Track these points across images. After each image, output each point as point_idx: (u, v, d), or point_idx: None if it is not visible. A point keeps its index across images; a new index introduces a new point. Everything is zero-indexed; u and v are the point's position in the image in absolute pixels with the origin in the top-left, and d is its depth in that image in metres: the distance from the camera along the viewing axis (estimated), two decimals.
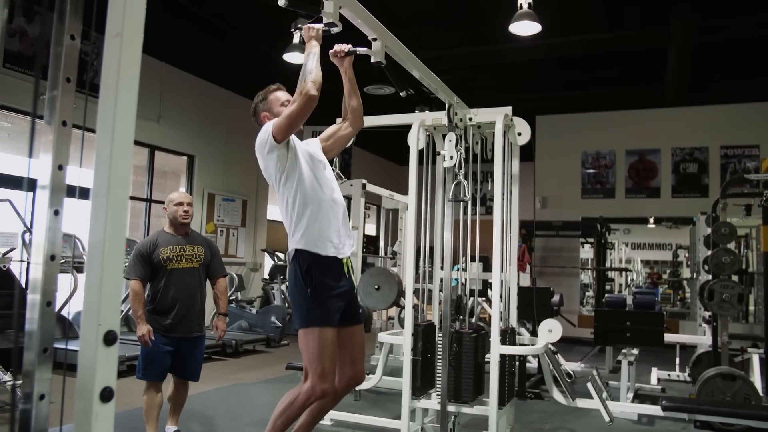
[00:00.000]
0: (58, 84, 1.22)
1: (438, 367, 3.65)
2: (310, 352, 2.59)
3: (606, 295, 7.15)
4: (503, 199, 3.90)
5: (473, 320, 4.10)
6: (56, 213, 1.16)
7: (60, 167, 1.18)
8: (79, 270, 6.72)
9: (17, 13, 6.94)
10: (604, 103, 10.43)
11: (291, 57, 7.31)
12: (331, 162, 4.10)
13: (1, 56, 6.72)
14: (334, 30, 2.43)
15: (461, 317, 3.93)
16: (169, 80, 8.98)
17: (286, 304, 9.83)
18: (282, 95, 2.89)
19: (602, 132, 10.67)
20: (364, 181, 6.21)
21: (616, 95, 10.19)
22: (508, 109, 3.91)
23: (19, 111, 7.15)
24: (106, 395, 1.01)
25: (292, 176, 2.67)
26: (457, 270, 4.06)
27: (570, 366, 6.61)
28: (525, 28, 6.48)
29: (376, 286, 5.96)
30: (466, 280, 4.12)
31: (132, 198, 9.62)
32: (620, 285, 13.19)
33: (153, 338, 3.56)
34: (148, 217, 9.13)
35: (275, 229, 11.48)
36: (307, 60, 2.55)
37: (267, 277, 10.61)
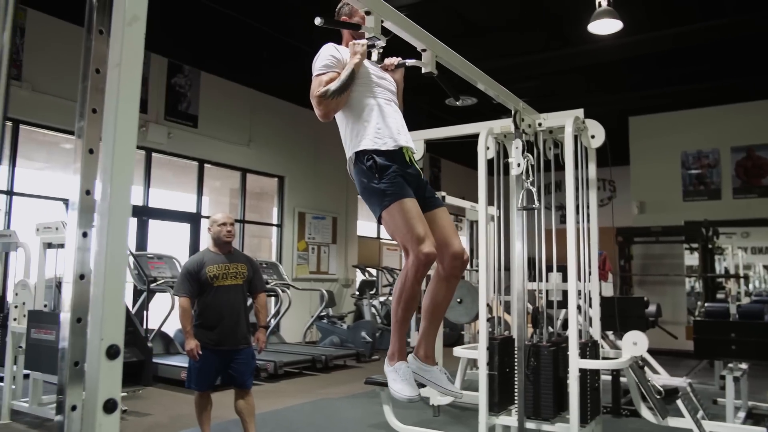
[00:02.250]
0: (85, 115, 1.30)
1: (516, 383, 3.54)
2: (398, 227, 2.49)
3: (706, 304, 6.66)
4: (579, 205, 3.78)
5: (556, 332, 3.95)
6: (84, 235, 1.24)
7: (87, 192, 1.25)
8: None
9: None
10: (702, 99, 9.79)
11: None
12: None
13: None
14: (379, 44, 2.44)
15: (539, 329, 3.80)
16: (258, 105, 9.41)
17: (378, 319, 9.90)
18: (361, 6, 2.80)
19: (703, 129, 10.02)
20: (443, 193, 6.18)
21: (714, 90, 9.54)
22: (579, 112, 3.76)
23: None
24: (110, 407, 1.06)
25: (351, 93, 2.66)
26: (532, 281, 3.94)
27: (674, 381, 6.19)
28: (605, 26, 6.24)
29: (459, 300, 5.91)
30: (545, 291, 3.99)
31: None
32: (738, 293, 12.24)
33: (200, 352, 3.78)
34: (242, 238, 9.51)
35: (366, 245, 11.64)
36: (343, 73, 2.56)
37: (357, 292, 10.75)
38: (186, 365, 6.27)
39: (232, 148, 9.05)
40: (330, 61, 2.61)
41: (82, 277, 1.28)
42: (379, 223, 2.57)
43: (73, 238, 1.27)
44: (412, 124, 3.56)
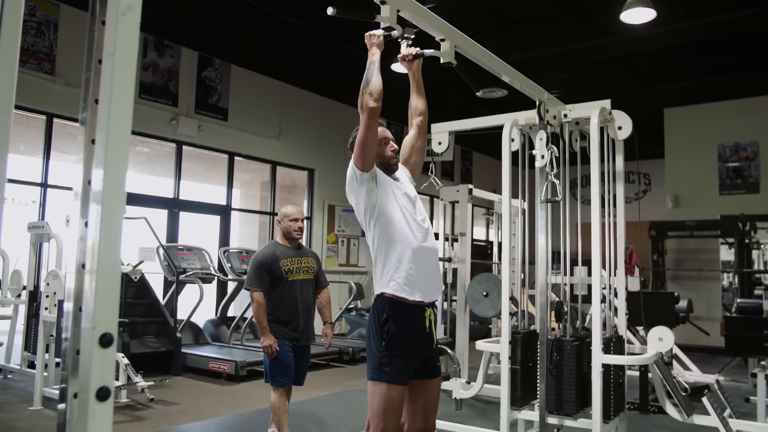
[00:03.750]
0: (87, 105, 1.30)
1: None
2: (374, 407, 2.46)
3: (738, 300, 6.48)
4: (606, 198, 3.71)
5: (582, 327, 3.88)
6: (86, 225, 1.24)
7: (89, 182, 1.26)
8: (206, 281, 7.18)
9: (149, 48, 7.63)
10: (739, 89, 9.48)
11: (399, 67, 7.39)
12: (426, 167, 4.10)
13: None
14: (395, 34, 2.42)
15: (563, 324, 3.74)
16: (287, 98, 9.45)
17: None
18: (381, 132, 2.65)
19: (741, 121, 9.72)
20: (470, 186, 6.17)
21: (752, 80, 9.22)
22: (606, 103, 3.69)
23: (155, 137, 7.85)
24: (103, 394, 1.06)
25: (383, 214, 2.53)
26: (557, 274, 3.88)
27: (705, 378, 6.05)
28: (638, 15, 6.10)
29: (485, 293, 5.87)
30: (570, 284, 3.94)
31: (256, 212, 10.18)
32: None
33: (278, 348, 3.72)
34: (271, 230, 9.57)
35: None
36: (367, 70, 2.47)
37: None
38: (214, 356, 6.40)
39: (262, 141, 9.10)
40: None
41: (83, 266, 1.29)
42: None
43: (75, 228, 1.28)
44: (441, 116, 3.53)
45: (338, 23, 7.58)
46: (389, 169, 2.71)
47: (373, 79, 2.41)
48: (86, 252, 1.28)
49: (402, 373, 2.45)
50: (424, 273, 2.52)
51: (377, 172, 2.58)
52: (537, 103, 3.56)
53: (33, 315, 5.71)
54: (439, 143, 4.54)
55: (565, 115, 3.76)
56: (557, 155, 3.54)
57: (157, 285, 7.28)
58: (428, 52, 2.67)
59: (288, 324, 3.81)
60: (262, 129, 9.11)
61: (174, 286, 6.95)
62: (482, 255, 11.46)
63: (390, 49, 2.66)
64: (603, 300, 3.48)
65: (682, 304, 5.65)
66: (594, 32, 7.77)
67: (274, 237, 4.14)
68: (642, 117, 3.85)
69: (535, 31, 7.84)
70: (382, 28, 2.40)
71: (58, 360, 4.97)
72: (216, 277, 7.40)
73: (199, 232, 8.90)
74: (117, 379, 4.93)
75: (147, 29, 7.40)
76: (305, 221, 10.16)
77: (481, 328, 8.81)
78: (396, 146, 2.79)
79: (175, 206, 8.20)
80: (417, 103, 2.84)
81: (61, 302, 4.80)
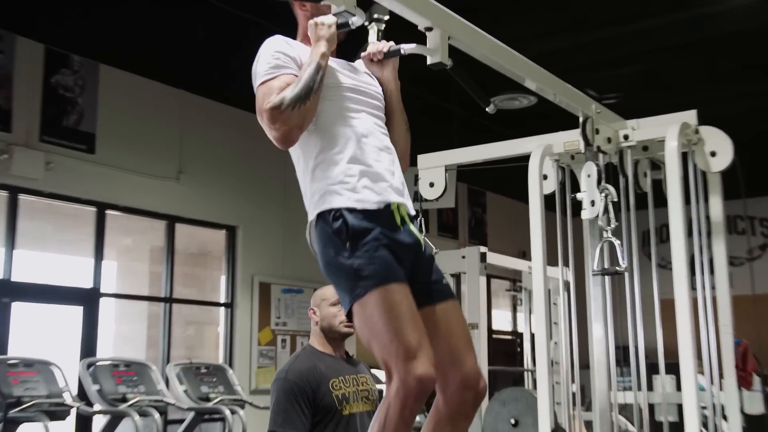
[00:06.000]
0: None
1: None
2: (376, 331, 2.51)
3: None
4: (698, 260, 3.90)
5: None
6: None
7: None
8: (56, 417, 6.95)
9: None
10: None
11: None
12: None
13: None
14: (354, 22, 2.53)
15: None
16: (192, 116, 9.42)
17: None
18: None
19: None
20: (483, 248, 6.18)
21: None
22: (690, 115, 3.81)
23: None
24: None
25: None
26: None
27: None
28: None
29: (513, 420, 5.84)
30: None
31: (144, 298, 10.02)
32: None
33: None
34: (169, 326, 9.36)
35: None
36: (304, 72, 2.61)
37: None
38: None
39: (152, 183, 8.96)
40: (280, 59, 2.71)
41: None
42: (349, 319, 2.61)
43: None
44: (435, 140, 3.47)
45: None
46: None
47: (302, 83, 2.58)
48: None
49: (391, 268, 2.55)
50: (379, 166, 2.72)
51: None
52: (581, 119, 3.64)
53: None
54: (431, 184, 4.57)
55: (626, 137, 3.85)
56: (615, 199, 3.62)
57: None
58: (408, 47, 2.71)
59: None
60: (152, 165, 8.99)
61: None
62: (507, 357, 11.46)
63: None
64: (704, 428, 3.51)
65: None
66: (671, 3, 7.91)
67: (309, 341, 3.99)
68: (749, 136, 3.92)
69: (574, 3, 7.99)
70: (335, 13, 2.51)
71: None
72: (74, 410, 7.17)
73: (46, 334, 8.70)
74: None
75: None
76: (224, 308, 10.14)
77: None
78: None
79: (4, 293, 7.99)
80: (395, 130, 2.94)
81: None
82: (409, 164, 3.03)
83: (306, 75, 2.58)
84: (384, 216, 2.63)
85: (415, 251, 2.69)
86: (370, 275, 2.50)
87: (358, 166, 2.66)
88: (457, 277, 6.59)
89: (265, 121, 2.65)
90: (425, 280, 2.69)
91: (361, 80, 2.86)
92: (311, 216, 2.70)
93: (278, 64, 2.68)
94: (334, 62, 2.76)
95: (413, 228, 2.72)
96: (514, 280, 8.30)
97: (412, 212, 2.79)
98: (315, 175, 2.71)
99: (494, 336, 11.36)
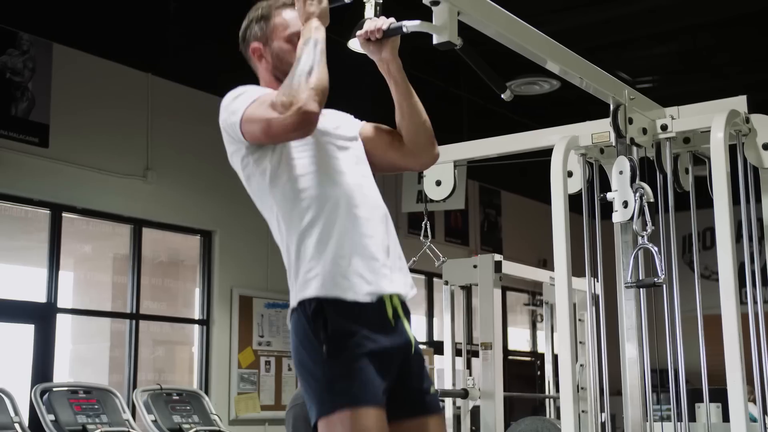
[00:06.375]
0: None
1: None
2: None
3: None
4: (750, 269, 3.97)
5: None
6: None
7: None
8: None
9: None
10: None
11: (355, 44, 7.35)
12: (416, 224, 4.06)
13: None
14: None
15: None
16: (162, 104, 9.47)
17: None
18: (292, 20, 2.87)
19: None
20: (499, 256, 6.20)
21: None
22: (740, 101, 3.89)
23: None
24: None
25: (280, 173, 2.80)
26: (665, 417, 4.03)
27: None
28: None
29: None
30: None
31: (106, 314, 9.93)
32: None
33: None
34: (135, 346, 9.32)
35: None
36: (302, 51, 2.62)
37: None
38: None
39: (116, 182, 8.91)
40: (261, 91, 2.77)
41: None
42: (314, 430, 2.59)
43: None
44: (443, 133, 3.42)
45: None
46: None
47: (317, 70, 2.58)
48: None
49: (369, 386, 2.54)
50: (371, 244, 2.71)
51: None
52: (612, 107, 3.70)
53: None
54: (438, 183, 4.63)
55: (664, 127, 3.93)
56: (651, 200, 3.67)
57: None
58: (411, 24, 2.72)
59: None
60: (115, 161, 8.93)
61: None
62: (525, 381, 11.61)
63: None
64: None
65: None
66: None
67: None
68: None
69: None
70: None
71: None
72: None
73: None
74: None
75: None
76: (198, 326, 10.14)
77: None
78: None
79: None
80: (406, 115, 2.88)
81: None
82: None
83: (311, 57, 2.59)
84: (373, 311, 2.63)
85: (403, 354, 2.69)
86: (342, 392, 2.51)
87: (348, 244, 2.64)
88: (467, 289, 6.58)
89: (296, 117, 2.52)
90: (412, 388, 2.71)
91: (333, 121, 2.89)
92: (293, 301, 2.65)
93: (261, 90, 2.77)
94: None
95: (405, 324, 2.72)
96: (534, 293, 8.31)
97: (410, 292, 2.78)
98: (302, 252, 2.67)
99: (510, 357, 11.68)
